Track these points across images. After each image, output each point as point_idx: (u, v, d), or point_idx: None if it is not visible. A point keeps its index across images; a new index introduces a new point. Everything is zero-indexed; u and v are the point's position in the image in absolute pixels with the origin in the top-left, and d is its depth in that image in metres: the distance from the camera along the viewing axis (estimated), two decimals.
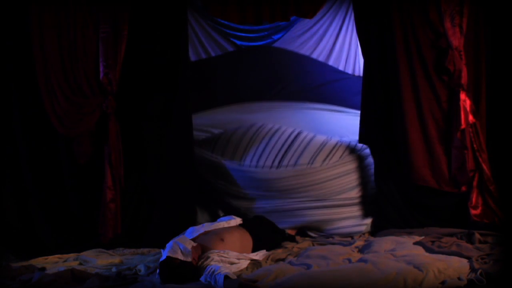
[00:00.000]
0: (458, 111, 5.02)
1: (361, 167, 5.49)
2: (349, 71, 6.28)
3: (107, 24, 5.22)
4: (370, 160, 5.46)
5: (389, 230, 5.02)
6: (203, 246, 4.24)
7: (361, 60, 5.79)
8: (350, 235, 5.28)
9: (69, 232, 5.28)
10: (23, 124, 5.25)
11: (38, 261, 4.70)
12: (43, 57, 5.19)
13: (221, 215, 5.50)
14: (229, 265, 4.08)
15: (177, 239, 4.20)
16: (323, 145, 5.52)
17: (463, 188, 5.06)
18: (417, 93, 5.13)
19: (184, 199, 5.36)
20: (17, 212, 5.25)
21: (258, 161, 5.54)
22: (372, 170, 5.44)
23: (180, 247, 4.06)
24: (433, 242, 4.47)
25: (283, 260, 4.36)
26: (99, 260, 4.68)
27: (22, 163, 5.27)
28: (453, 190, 5.11)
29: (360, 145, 5.52)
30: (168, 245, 4.13)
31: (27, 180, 5.26)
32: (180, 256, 4.01)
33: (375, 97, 5.30)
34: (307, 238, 5.25)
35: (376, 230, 5.23)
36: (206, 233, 4.49)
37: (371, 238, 4.94)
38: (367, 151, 5.49)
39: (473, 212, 4.98)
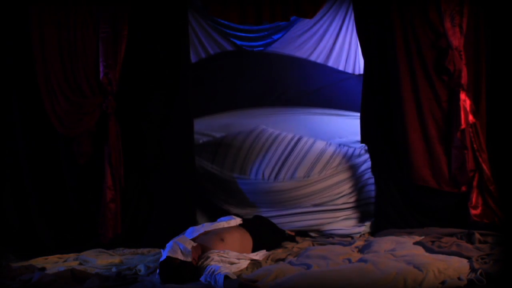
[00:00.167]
0: (458, 111, 5.03)
1: (358, 173, 5.56)
2: (349, 71, 6.29)
3: (107, 24, 5.22)
4: (367, 165, 5.50)
5: (389, 230, 5.02)
6: (203, 246, 4.24)
7: (361, 60, 5.79)
8: (349, 235, 5.30)
9: (69, 232, 5.28)
10: (23, 124, 5.25)
11: (38, 261, 4.70)
12: (43, 57, 5.19)
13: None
14: (229, 265, 4.08)
15: (177, 239, 4.20)
16: (320, 154, 5.61)
17: (463, 188, 5.06)
18: (417, 93, 5.14)
19: (184, 199, 5.37)
20: (17, 212, 5.25)
21: (256, 173, 5.62)
22: (368, 175, 5.50)
23: (180, 247, 4.06)
24: (433, 242, 4.47)
25: (283, 260, 4.36)
26: (99, 260, 4.68)
27: (22, 163, 5.27)
28: (453, 190, 5.11)
29: (357, 151, 5.62)
30: (168, 245, 4.12)
31: (27, 180, 5.26)
32: (180, 256, 4.01)
33: (375, 97, 5.30)
34: (307, 238, 5.26)
35: (376, 230, 5.23)
36: (206, 233, 4.49)
37: (371, 238, 4.94)
38: (364, 157, 5.55)
39: (473, 212, 4.98)
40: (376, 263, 3.87)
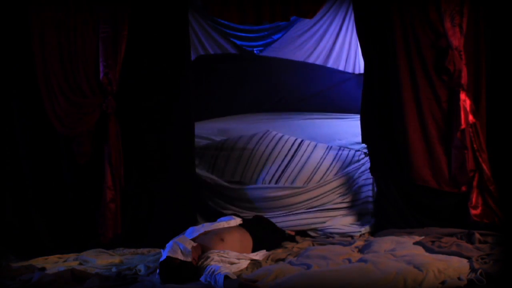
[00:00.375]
0: (458, 111, 5.02)
1: (356, 176, 5.62)
2: (349, 70, 6.29)
3: (107, 24, 5.22)
4: (365, 167, 5.56)
5: (389, 230, 5.01)
6: (203, 246, 4.24)
7: (361, 60, 5.79)
8: (349, 235, 5.31)
9: (69, 232, 5.27)
10: (23, 124, 5.25)
11: (38, 261, 4.71)
12: (43, 57, 5.19)
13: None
14: (229, 265, 4.08)
15: (177, 239, 4.20)
16: (320, 162, 5.67)
17: (463, 188, 5.06)
18: (417, 93, 5.13)
19: (184, 199, 5.36)
20: (17, 212, 5.25)
21: (256, 181, 5.67)
22: (365, 176, 5.56)
23: (180, 247, 4.06)
24: (433, 242, 4.47)
25: (283, 260, 4.36)
26: (99, 260, 4.68)
27: (22, 163, 5.27)
28: (453, 190, 5.10)
29: (356, 156, 5.67)
30: (168, 245, 4.13)
31: (27, 180, 5.26)
32: (180, 256, 4.01)
33: (375, 97, 5.29)
34: (307, 238, 5.25)
35: (376, 230, 5.23)
36: (206, 233, 4.49)
37: (371, 238, 4.94)
38: (363, 160, 5.60)
39: (473, 212, 4.97)
40: (376, 263, 3.87)
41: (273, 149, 5.79)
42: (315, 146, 5.80)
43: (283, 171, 5.67)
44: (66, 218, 5.29)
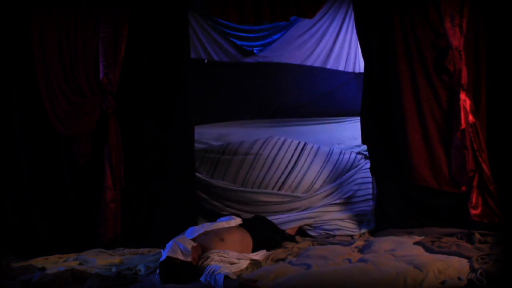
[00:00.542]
0: (458, 111, 5.02)
1: (354, 178, 5.71)
2: (349, 70, 6.29)
3: (107, 24, 5.22)
4: (365, 172, 5.65)
5: (389, 230, 5.02)
6: (203, 246, 4.24)
7: (361, 60, 5.79)
8: (347, 234, 5.36)
9: (69, 232, 5.28)
10: (23, 124, 5.25)
11: (38, 261, 4.71)
12: (43, 57, 5.19)
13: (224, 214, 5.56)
14: (229, 265, 4.08)
15: (177, 239, 4.20)
16: (321, 170, 5.79)
17: (463, 188, 5.06)
18: (417, 93, 5.13)
19: (184, 200, 5.37)
20: (17, 212, 5.25)
21: (259, 186, 5.76)
22: (363, 175, 5.65)
23: (180, 247, 4.06)
24: (433, 242, 4.47)
25: (283, 260, 4.36)
26: (99, 260, 4.68)
27: (22, 163, 5.27)
28: (453, 190, 5.10)
29: (357, 159, 5.77)
30: (168, 245, 4.12)
31: (27, 180, 5.27)
32: (180, 256, 4.01)
33: (375, 97, 5.30)
34: (307, 238, 5.26)
35: (376, 230, 5.24)
36: (206, 233, 4.49)
37: (371, 238, 4.94)
38: (363, 164, 5.71)
39: (473, 212, 4.98)
40: (376, 263, 3.87)
41: (276, 154, 5.85)
42: (317, 150, 5.88)
43: (286, 177, 5.76)
44: (66, 218, 5.30)
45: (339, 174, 5.78)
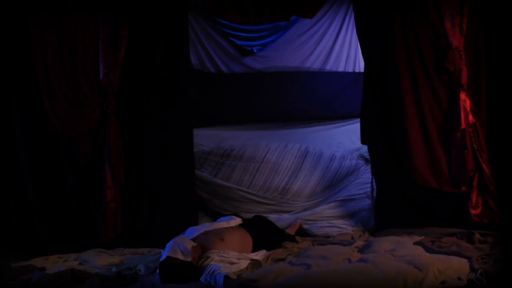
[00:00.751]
0: (458, 111, 5.02)
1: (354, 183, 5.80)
2: (349, 70, 6.29)
3: (107, 24, 5.22)
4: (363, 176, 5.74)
5: (389, 230, 5.02)
6: (203, 246, 4.24)
7: (361, 60, 5.79)
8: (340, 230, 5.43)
9: (69, 232, 5.27)
10: (23, 124, 5.25)
11: (38, 261, 4.70)
12: (43, 57, 5.18)
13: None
14: (229, 265, 4.08)
15: (177, 239, 4.21)
16: (322, 176, 5.92)
17: (463, 188, 5.06)
18: (417, 93, 5.13)
19: (184, 199, 5.37)
20: (17, 212, 5.24)
21: (265, 192, 5.87)
22: (360, 181, 5.74)
23: (180, 247, 4.06)
24: (433, 242, 4.47)
25: (283, 260, 4.36)
26: (99, 260, 4.68)
27: (22, 163, 5.26)
28: (453, 190, 5.10)
29: (359, 165, 5.85)
30: (168, 245, 4.13)
31: (27, 179, 5.26)
32: (180, 256, 4.01)
33: (375, 97, 5.29)
34: (307, 238, 5.26)
35: (376, 230, 5.24)
36: (206, 233, 4.49)
37: (371, 238, 4.94)
38: (364, 169, 5.78)
39: (473, 212, 4.98)
40: (376, 263, 3.87)
41: (280, 161, 5.96)
42: (320, 156, 5.97)
43: (290, 184, 5.90)
44: (66, 218, 5.29)
45: (341, 179, 5.86)
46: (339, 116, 6.21)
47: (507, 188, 4.94)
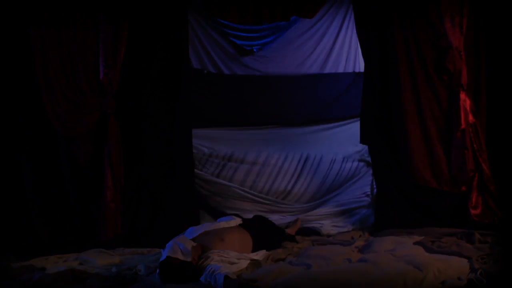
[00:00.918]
0: (458, 111, 5.02)
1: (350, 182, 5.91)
2: (349, 70, 6.29)
3: (107, 24, 5.21)
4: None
5: (389, 230, 5.01)
6: (203, 246, 4.23)
7: (361, 60, 5.79)
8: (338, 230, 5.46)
9: (69, 232, 5.27)
10: (23, 124, 5.25)
11: (38, 261, 4.70)
12: (43, 57, 5.18)
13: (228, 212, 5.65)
14: (229, 265, 4.07)
15: (177, 239, 4.20)
16: (323, 181, 5.99)
17: (463, 188, 5.06)
18: (417, 93, 5.13)
19: (184, 199, 5.37)
20: (17, 212, 5.24)
21: (267, 193, 5.97)
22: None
23: (180, 247, 4.06)
24: (433, 242, 4.47)
25: (283, 260, 4.36)
26: (99, 260, 4.67)
27: (22, 163, 5.26)
28: (453, 190, 5.10)
29: (359, 168, 5.92)
30: (168, 245, 4.12)
31: (27, 179, 5.26)
32: (180, 256, 4.01)
33: (375, 97, 5.30)
34: (307, 238, 5.26)
35: (376, 230, 5.24)
36: (206, 233, 4.48)
37: (371, 238, 4.94)
38: (364, 172, 5.85)
39: (473, 212, 4.98)
40: (376, 263, 3.87)
41: (280, 168, 6.04)
42: (320, 160, 6.04)
43: (291, 189, 5.97)
44: (66, 218, 5.29)
45: (341, 182, 5.93)
46: (340, 117, 6.23)
47: (507, 188, 4.94)
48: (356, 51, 6.15)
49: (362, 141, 5.39)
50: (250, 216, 5.35)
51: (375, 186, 5.57)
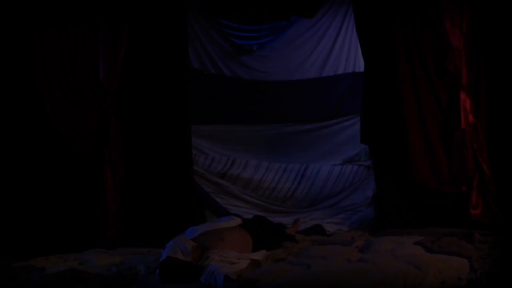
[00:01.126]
0: (458, 111, 5.02)
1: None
2: (349, 70, 6.30)
3: (107, 24, 5.22)
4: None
5: (389, 230, 5.02)
6: (203, 246, 4.23)
7: (361, 59, 5.79)
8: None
9: (69, 232, 5.27)
10: (23, 124, 5.25)
11: (38, 261, 4.70)
12: (43, 57, 5.19)
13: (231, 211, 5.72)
14: (229, 265, 4.07)
15: (177, 239, 4.20)
16: (324, 185, 6.08)
17: (463, 188, 5.06)
18: (417, 93, 5.13)
19: (183, 199, 5.38)
20: (17, 212, 5.24)
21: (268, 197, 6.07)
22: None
23: (180, 247, 4.06)
24: (433, 242, 4.47)
25: (283, 260, 4.36)
26: (99, 260, 4.67)
27: (22, 163, 5.27)
28: (453, 190, 5.10)
29: (359, 172, 6.01)
30: (168, 245, 4.13)
31: (27, 179, 5.26)
32: (180, 256, 4.01)
33: (375, 97, 5.29)
34: (307, 238, 5.26)
35: (376, 230, 5.24)
36: (206, 233, 4.48)
37: (371, 238, 4.93)
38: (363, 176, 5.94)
39: (473, 212, 4.97)
40: (376, 263, 3.87)
41: (280, 178, 6.14)
42: (319, 170, 6.12)
43: (293, 193, 6.07)
44: (66, 218, 5.29)
45: (341, 186, 6.00)
46: (340, 116, 6.24)
47: (507, 188, 4.93)
48: (356, 51, 6.15)
49: (363, 141, 5.39)
50: (250, 216, 5.37)
51: (375, 187, 5.57)
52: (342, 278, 3.65)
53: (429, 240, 4.51)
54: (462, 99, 5.01)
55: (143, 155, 5.39)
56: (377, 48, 5.26)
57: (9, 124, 5.27)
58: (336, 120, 6.27)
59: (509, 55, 4.99)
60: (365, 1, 5.27)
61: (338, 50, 6.26)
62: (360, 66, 6.03)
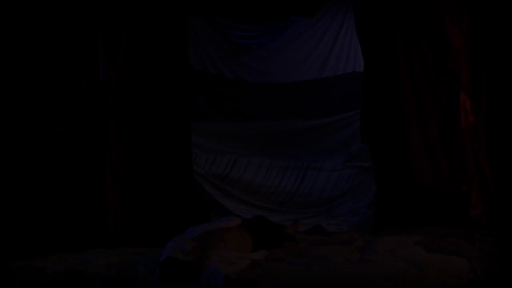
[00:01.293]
0: (458, 111, 5.02)
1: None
2: (349, 70, 6.30)
3: (107, 24, 5.22)
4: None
5: (389, 230, 5.02)
6: (203, 246, 4.23)
7: (361, 59, 5.80)
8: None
9: (69, 232, 5.27)
10: (23, 124, 5.25)
11: (38, 261, 4.70)
12: (43, 57, 5.19)
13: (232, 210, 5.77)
14: (229, 265, 4.07)
15: (177, 239, 4.20)
16: (324, 187, 6.14)
17: (463, 188, 5.06)
18: (417, 93, 5.14)
19: (183, 199, 5.39)
20: (17, 212, 5.24)
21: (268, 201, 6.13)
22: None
23: (180, 247, 4.06)
24: (433, 242, 4.47)
25: (283, 260, 4.36)
26: (99, 260, 4.67)
27: (22, 162, 5.26)
28: (453, 190, 5.10)
29: (359, 175, 6.02)
30: (168, 245, 4.12)
31: (27, 179, 5.26)
32: (180, 256, 4.01)
33: (375, 97, 5.30)
34: (307, 238, 5.26)
35: (376, 230, 5.24)
36: (206, 233, 4.49)
37: (371, 238, 4.94)
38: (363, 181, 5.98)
39: (473, 212, 4.98)
40: (376, 263, 3.87)
41: (280, 181, 6.18)
42: (319, 172, 6.16)
43: (292, 195, 6.13)
44: (66, 218, 5.29)
45: (341, 188, 6.05)
46: (340, 115, 6.25)
47: (507, 188, 4.94)
48: (356, 51, 6.16)
49: (362, 140, 5.40)
50: (250, 216, 5.37)
51: (375, 188, 5.58)
52: (342, 278, 3.65)
53: (429, 240, 4.51)
54: (462, 99, 5.01)
55: (143, 155, 5.39)
56: (377, 48, 5.26)
57: (9, 124, 5.27)
58: (337, 116, 6.28)
59: (509, 55, 4.99)
60: (365, 1, 5.28)
61: (338, 49, 6.28)
62: (360, 66, 6.04)
